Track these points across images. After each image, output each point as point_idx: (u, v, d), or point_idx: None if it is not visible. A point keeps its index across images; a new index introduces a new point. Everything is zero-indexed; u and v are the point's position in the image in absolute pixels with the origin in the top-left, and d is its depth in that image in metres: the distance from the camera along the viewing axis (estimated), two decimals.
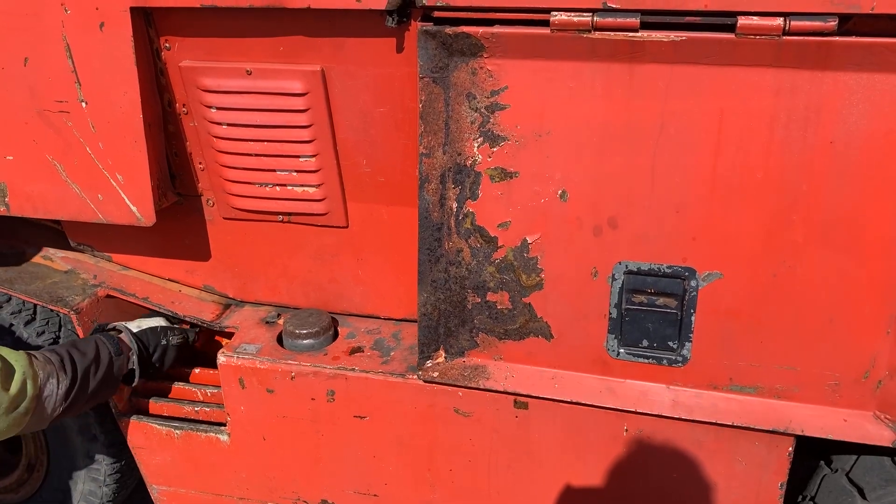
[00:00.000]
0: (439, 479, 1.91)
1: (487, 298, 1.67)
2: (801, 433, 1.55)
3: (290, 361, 1.86)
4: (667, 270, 1.53)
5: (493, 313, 1.68)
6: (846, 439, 1.54)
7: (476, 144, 1.54)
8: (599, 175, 1.50)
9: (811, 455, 1.77)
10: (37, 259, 2.05)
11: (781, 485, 1.67)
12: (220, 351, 1.91)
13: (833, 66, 1.33)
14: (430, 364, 1.75)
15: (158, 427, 2.06)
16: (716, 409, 1.60)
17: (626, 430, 1.70)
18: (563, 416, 1.73)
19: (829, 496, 1.71)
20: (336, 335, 1.95)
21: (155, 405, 2.10)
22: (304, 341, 1.90)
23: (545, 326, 1.65)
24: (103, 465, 2.26)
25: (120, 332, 1.88)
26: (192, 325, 2.08)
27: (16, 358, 1.56)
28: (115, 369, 1.79)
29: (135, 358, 1.85)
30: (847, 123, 1.36)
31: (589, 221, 1.54)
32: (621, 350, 1.62)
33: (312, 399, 1.88)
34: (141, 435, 2.09)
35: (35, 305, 1.92)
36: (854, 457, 1.69)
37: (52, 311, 1.94)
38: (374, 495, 2.00)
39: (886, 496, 1.60)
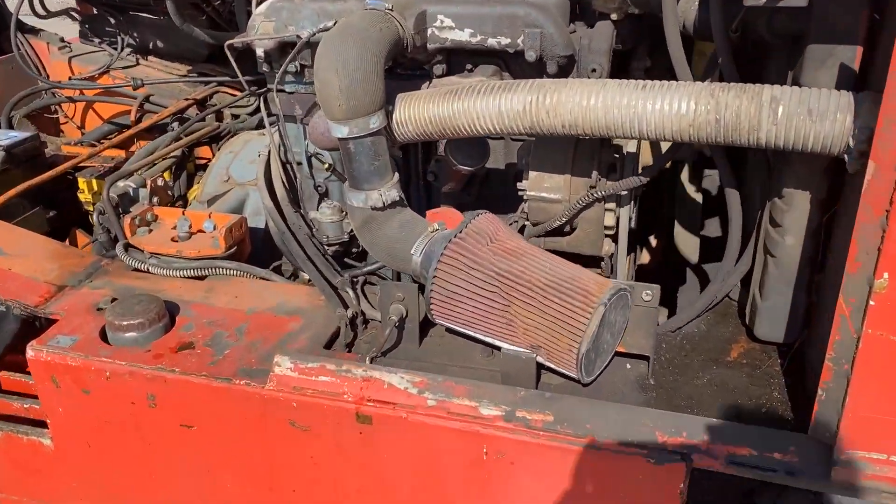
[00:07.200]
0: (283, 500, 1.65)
1: None
2: None
3: (104, 359, 1.60)
4: None
5: None
6: None
7: None
8: None
9: None
10: None
11: None
12: (29, 343, 1.64)
13: None
14: None
15: None
16: None
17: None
18: (405, 429, 1.47)
19: None
20: (169, 327, 1.69)
21: None
22: (128, 334, 1.62)
23: None
24: None
25: None
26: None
27: None
28: None
29: None
30: None
31: None
32: None
33: (133, 403, 1.62)
34: None
35: None
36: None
37: None
38: None
39: None
